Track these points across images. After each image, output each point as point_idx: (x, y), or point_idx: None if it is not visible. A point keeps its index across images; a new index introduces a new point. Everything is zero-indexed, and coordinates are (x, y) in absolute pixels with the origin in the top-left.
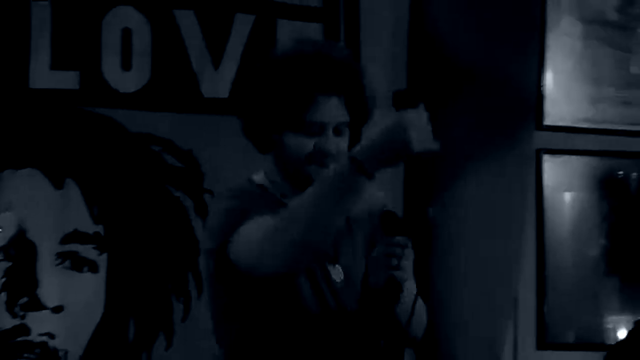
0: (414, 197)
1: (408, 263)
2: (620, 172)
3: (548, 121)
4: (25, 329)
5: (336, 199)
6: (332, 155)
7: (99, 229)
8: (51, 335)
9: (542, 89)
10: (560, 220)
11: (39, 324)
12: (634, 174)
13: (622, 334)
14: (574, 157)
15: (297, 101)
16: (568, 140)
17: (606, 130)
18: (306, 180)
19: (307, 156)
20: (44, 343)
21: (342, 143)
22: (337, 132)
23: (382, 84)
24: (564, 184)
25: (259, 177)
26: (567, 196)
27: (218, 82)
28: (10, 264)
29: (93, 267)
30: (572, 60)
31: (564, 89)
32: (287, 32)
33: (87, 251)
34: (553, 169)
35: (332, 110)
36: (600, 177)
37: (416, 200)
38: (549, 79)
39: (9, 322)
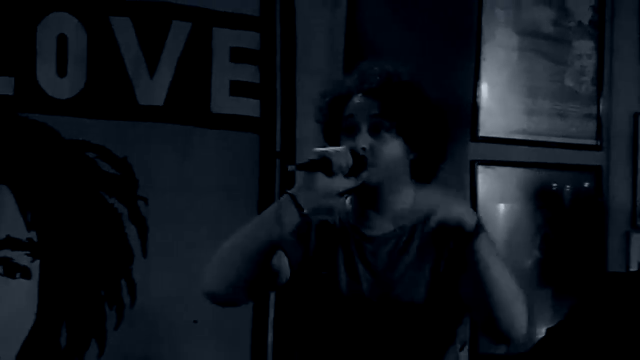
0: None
1: None
2: (555, 184)
3: (483, 132)
4: None
5: (263, 225)
6: (369, 151)
7: (32, 235)
8: None
9: (477, 100)
10: (494, 231)
11: None
12: (568, 186)
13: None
14: (508, 169)
15: (338, 99)
16: (503, 152)
17: (541, 142)
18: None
19: None
20: None
21: (380, 146)
22: (374, 131)
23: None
24: (498, 195)
25: None
26: (502, 207)
27: (153, 90)
28: None
29: (26, 274)
30: (507, 72)
31: (499, 101)
32: (224, 40)
33: (20, 257)
34: (487, 180)
35: (364, 106)
36: (535, 188)
37: None
38: (484, 91)
39: None
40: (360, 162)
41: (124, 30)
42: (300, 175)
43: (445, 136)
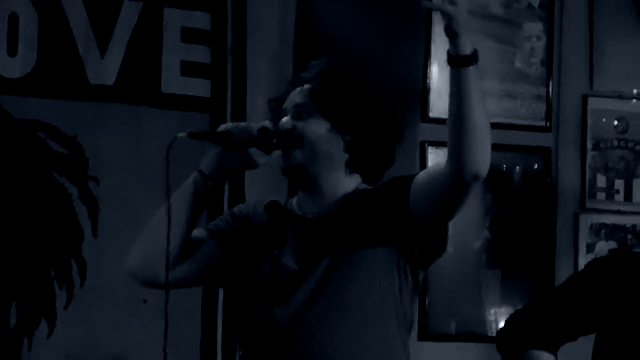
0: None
1: None
2: (504, 166)
3: (433, 114)
4: None
5: (175, 198)
6: (288, 132)
7: None
8: None
9: (427, 82)
10: None
11: None
12: (518, 168)
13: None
14: None
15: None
16: None
17: (491, 124)
18: (284, 175)
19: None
20: None
21: (303, 127)
22: (297, 117)
23: (268, 78)
24: None
25: None
26: None
27: (104, 70)
28: None
29: None
30: None
31: (449, 82)
32: (175, 20)
33: None
34: (438, 161)
35: (292, 97)
36: None
37: None
38: (435, 72)
39: None
40: (265, 136)
41: (75, 10)
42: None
43: (382, 120)
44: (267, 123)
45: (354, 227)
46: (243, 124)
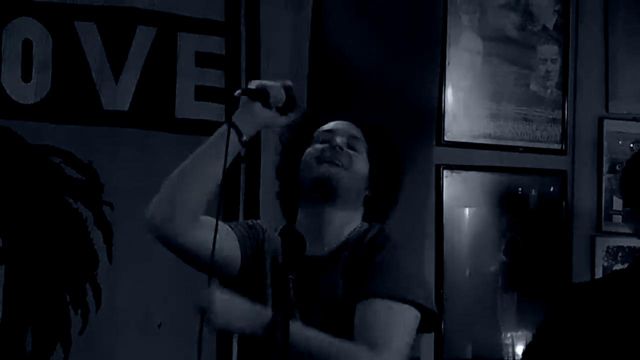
0: None
1: None
2: (520, 189)
3: (448, 137)
4: None
5: (208, 146)
6: (344, 152)
7: None
8: None
9: (442, 104)
10: (459, 236)
11: None
12: (533, 191)
13: (519, 349)
14: (473, 173)
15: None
16: (468, 156)
17: (506, 146)
18: (317, 182)
19: (318, 155)
20: None
21: (355, 158)
22: (351, 147)
23: None
24: (463, 199)
25: None
26: (467, 212)
27: (118, 95)
28: None
29: None
30: (472, 76)
31: (464, 105)
32: (189, 45)
33: None
34: (453, 185)
35: (344, 125)
36: (500, 193)
37: None
38: (449, 95)
39: None
40: (291, 100)
41: (89, 36)
42: (242, 107)
43: (398, 183)
44: (288, 83)
45: (348, 278)
46: (271, 82)
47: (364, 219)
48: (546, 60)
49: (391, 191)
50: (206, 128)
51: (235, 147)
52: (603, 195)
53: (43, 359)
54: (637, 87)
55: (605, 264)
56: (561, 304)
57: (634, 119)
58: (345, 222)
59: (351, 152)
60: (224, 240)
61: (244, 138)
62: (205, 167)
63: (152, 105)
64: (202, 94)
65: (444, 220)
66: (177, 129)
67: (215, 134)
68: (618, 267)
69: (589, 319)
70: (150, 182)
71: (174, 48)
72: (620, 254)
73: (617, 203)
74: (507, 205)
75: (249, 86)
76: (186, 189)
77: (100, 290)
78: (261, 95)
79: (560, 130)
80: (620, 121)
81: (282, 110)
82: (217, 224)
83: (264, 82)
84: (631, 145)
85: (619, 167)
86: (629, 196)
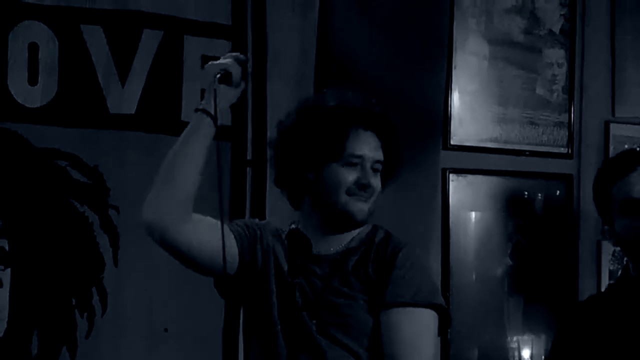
0: None
1: None
2: (526, 192)
3: (454, 141)
4: None
5: (185, 139)
6: (371, 188)
7: (3, 243)
8: None
9: (448, 108)
10: (465, 240)
11: None
12: (539, 194)
13: (525, 353)
14: (480, 177)
15: (339, 131)
16: (474, 160)
17: (512, 150)
18: (341, 215)
19: (349, 187)
20: None
21: (377, 181)
22: (374, 169)
23: (288, 104)
24: (469, 203)
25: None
26: (473, 215)
27: (125, 98)
28: None
29: None
30: (478, 80)
31: (470, 109)
32: (195, 48)
33: None
34: (459, 189)
35: (371, 144)
36: (506, 197)
37: None
38: (456, 99)
39: None
40: (244, 70)
41: (95, 39)
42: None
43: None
44: (241, 56)
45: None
46: (225, 61)
47: None
48: (552, 64)
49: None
50: None
51: (211, 133)
52: None
53: None
54: None
55: (612, 267)
56: (566, 323)
57: None
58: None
59: (373, 179)
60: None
61: (218, 121)
62: (185, 158)
63: (159, 109)
64: None
65: (450, 224)
66: None
67: (191, 124)
68: None
69: (593, 335)
70: None
71: (181, 51)
72: (625, 259)
73: None
74: (513, 209)
75: (211, 70)
76: (171, 182)
77: (106, 293)
78: (227, 78)
79: (567, 134)
80: (626, 125)
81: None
82: (222, 224)
83: (222, 62)
84: (637, 149)
85: None
86: (601, 214)
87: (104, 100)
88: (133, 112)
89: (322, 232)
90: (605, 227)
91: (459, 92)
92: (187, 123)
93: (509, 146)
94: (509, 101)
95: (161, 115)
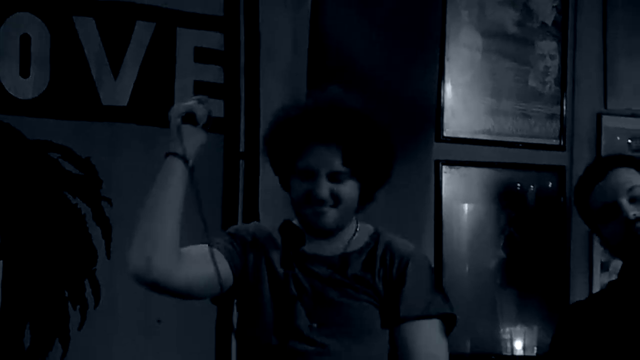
0: None
1: None
2: (519, 184)
3: (447, 133)
4: None
5: (160, 184)
6: (325, 200)
7: None
8: None
9: (441, 100)
10: (458, 232)
11: None
12: (532, 186)
13: (518, 344)
14: (472, 169)
15: (291, 149)
16: (467, 152)
17: (505, 142)
18: (306, 222)
19: (301, 199)
20: None
21: (342, 189)
22: (334, 179)
23: (281, 96)
24: (462, 195)
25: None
26: (466, 207)
27: (117, 90)
28: None
29: None
30: (471, 72)
31: (463, 101)
32: (188, 40)
33: None
34: (452, 180)
35: (324, 157)
36: (499, 188)
37: None
38: (449, 91)
39: None
40: (210, 113)
41: (87, 31)
42: (175, 134)
43: (392, 162)
44: (203, 97)
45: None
46: (190, 103)
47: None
48: (545, 56)
49: (384, 177)
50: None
51: (184, 174)
52: None
53: (41, 355)
54: (635, 83)
55: (603, 259)
56: (566, 321)
57: (633, 115)
58: (346, 229)
59: (335, 188)
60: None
61: (190, 162)
62: (163, 204)
63: (151, 101)
64: (201, 89)
65: (443, 216)
66: None
67: (163, 169)
68: (616, 262)
69: (593, 334)
70: (149, 178)
71: (173, 43)
72: None
73: None
74: (506, 201)
75: (175, 112)
76: (153, 233)
77: (99, 286)
78: (190, 118)
79: (559, 126)
80: (618, 117)
81: (205, 125)
82: (212, 256)
83: (185, 104)
84: (629, 141)
85: None
86: (588, 226)
87: (97, 92)
88: (126, 104)
89: (312, 235)
90: (595, 235)
91: (451, 84)
92: None
93: (501, 138)
94: (502, 93)
95: (154, 107)
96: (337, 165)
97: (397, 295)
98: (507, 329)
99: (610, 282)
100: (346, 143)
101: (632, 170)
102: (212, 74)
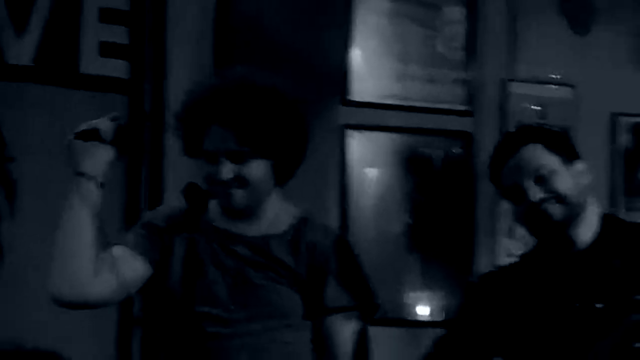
0: None
1: None
2: (425, 150)
3: (353, 97)
4: None
5: (70, 205)
6: (228, 182)
7: None
8: None
9: (347, 65)
10: (363, 197)
11: None
12: (439, 152)
13: (422, 310)
14: (378, 134)
15: (195, 131)
16: (373, 117)
17: (411, 107)
18: (222, 204)
19: (208, 181)
20: None
21: (247, 169)
22: (237, 160)
23: (188, 61)
24: (368, 160)
25: None
26: (371, 172)
27: (22, 49)
28: None
29: None
30: (378, 37)
31: (370, 66)
32: (93, 1)
33: None
34: (358, 145)
35: (221, 138)
36: (405, 154)
37: None
38: (355, 56)
39: None
40: (121, 129)
41: None
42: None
43: (306, 139)
44: (115, 113)
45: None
46: (99, 120)
47: None
48: (452, 22)
49: (298, 153)
50: (110, 85)
51: (95, 193)
52: None
53: None
54: (541, 50)
55: (508, 225)
56: (470, 294)
57: (539, 82)
58: (267, 206)
59: (238, 169)
60: (133, 270)
61: (100, 179)
62: (76, 227)
63: (56, 61)
64: (107, 50)
65: (348, 181)
66: (81, 85)
67: (72, 191)
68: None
69: (497, 307)
70: (55, 138)
71: (78, 3)
72: None
73: None
74: (412, 166)
75: (82, 127)
76: (69, 256)
77: (2, 246)
78: (93, 134)
79: (466, 92)
80: (525, 83)
81: (116, 142)
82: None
83: (91, 122)
84: (535, 107)
85: None
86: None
87: (1, 50)
88: (30, 63)
89: (230, 215)
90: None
91: (359, 49)
92: (85, 75)
93: (408, 103)
94: (409, 58)
95: (59, 67)
96: (233, 145)
97: (322, 284)
98: (412, 294)
99: (523, 256)
100: (239, 123)
101: (540, 147)
102: (118, 34)
